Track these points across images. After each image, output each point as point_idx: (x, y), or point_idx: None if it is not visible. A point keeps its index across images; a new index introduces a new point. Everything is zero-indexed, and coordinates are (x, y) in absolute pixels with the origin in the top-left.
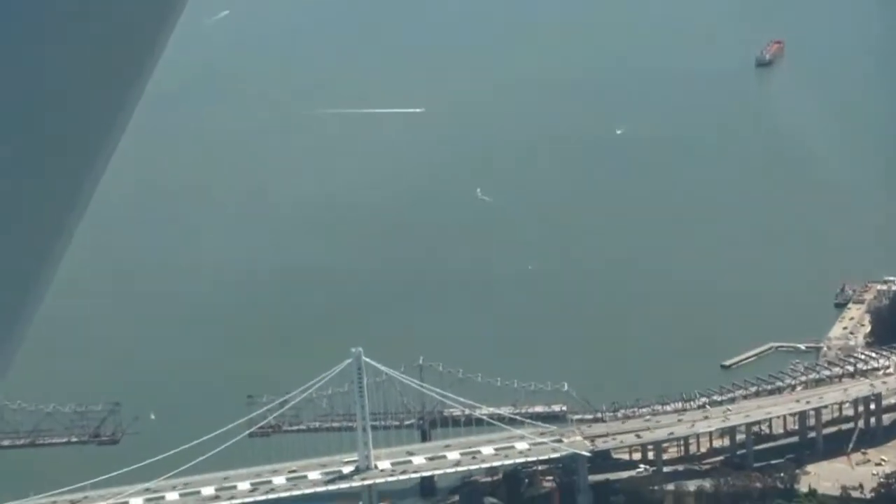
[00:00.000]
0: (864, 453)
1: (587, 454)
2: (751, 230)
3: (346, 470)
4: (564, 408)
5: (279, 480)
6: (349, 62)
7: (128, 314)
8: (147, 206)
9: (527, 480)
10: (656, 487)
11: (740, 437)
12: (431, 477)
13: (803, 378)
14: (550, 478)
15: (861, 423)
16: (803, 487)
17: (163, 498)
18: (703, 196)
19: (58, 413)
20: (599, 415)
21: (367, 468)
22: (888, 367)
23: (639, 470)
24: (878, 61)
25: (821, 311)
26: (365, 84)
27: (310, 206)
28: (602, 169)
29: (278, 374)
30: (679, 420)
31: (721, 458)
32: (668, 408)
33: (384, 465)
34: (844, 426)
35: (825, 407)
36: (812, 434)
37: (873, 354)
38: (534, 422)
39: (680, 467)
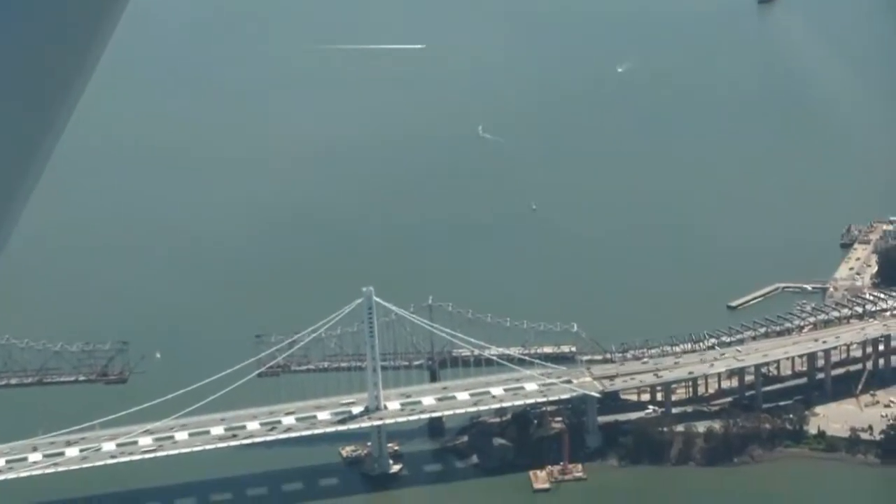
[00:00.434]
0: (872, 395)
1: (597, 395)
2: (755, 170)
3: (356, 410)
4: (574, 348)
5: (288, 420)
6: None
7: (137, 256)
8: (151, 150)
9: (536, 421)
10: (665, 429)
11: (749, 378)
12: (440, 417)
13: (811, 319)
14: (559, 418)
15: (870, 365)
16: (812, 429)
17: (172, 437)
18: (706, 138)
19: (65, 352)
20: (609, 355)
21: (377, 408)
22: None
23: (647, 411)
24: None
25: (827, 251)
26: (367, 21)
27: (312, 144)
28: (603, 108)
29: (287, 314)
30: (686, 362)
31: (730, 399)
32: (676, 349)
33: (393, 405)
34: (853, 368)
35: (835, 348)
36: (821, 375)
37: (882, 295)
38: (543, 362)
39: (689, 408)
